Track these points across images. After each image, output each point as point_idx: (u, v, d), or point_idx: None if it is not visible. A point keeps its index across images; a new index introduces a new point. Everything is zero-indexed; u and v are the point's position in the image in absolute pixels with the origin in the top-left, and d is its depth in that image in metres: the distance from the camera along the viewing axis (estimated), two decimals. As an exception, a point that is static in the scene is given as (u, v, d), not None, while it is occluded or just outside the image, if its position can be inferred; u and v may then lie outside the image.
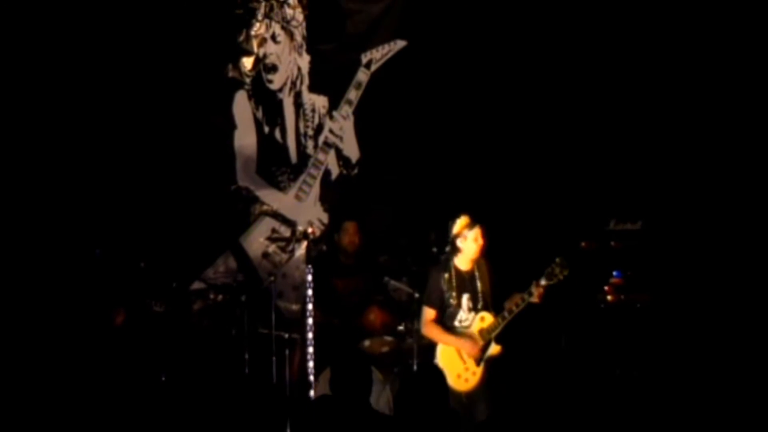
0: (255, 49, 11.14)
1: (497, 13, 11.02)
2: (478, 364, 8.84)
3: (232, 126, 11.17)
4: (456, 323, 9.07)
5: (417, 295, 10.05)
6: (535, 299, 8.75)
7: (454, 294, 9.04)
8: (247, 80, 11.20)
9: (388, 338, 10.23)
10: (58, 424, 8.90)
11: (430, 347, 9.83)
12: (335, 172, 11.27)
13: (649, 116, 10.60)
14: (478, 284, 9.07)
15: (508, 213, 10.74)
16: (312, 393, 9.67)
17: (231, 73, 11.15)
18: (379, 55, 11.17)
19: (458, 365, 8.89)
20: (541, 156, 10.85)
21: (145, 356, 9.95)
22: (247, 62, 11.15)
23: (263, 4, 11.16)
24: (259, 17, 11.11)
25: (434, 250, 10.35)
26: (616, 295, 9.32)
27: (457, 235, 8.96)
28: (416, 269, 10.46)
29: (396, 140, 11.24)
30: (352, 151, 11.25)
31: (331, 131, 11.20)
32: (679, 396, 8.89)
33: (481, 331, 8.94)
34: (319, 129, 11.22)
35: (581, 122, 10.75)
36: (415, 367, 9.93)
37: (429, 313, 9.11)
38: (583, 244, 9.48)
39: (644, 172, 10.47)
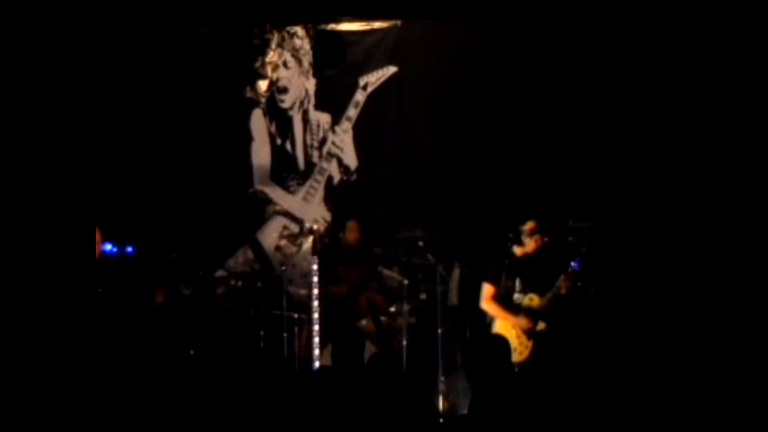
0: (269, 74, 11.11)
1: (473, 42, 10.82)
2: (529, 338, 8.98)
3: (249, 138, 11.16)
4: (511, 301, 9.23)
5: (406, 282, 10.30)
6: (562, 291, 8.93)
7: (510, 276, 9.20)
8: (263, 100, 11.15)
9: (382, 318, 9.88)
10: (100, 390, 8.31)
11: (418, 325, 10.21)
12: (337, 178, 11.22)
13: (602, 134, 10.34)
14: (530, 270, 9.18)
15: (483, 214, 10.63)
16: (317, 364, 9.79)
17: (249, 94, 11.13)
18: (374, 78, 11.11)
19: (512, 339, 8.79)
20: (512, 166, 10.63)
21: (175, 332, 9.93)
22: (263, 85, 11.11)
23: (276, 35, 11.09)
24: (273, 47, 11.08)
25: (420, 244, 10.44)
26: (572, 282, 9.08)
27: (523, 232, 9.17)
28: (405, 260, 10.62)
29: (388, 151, 11.23)
30: (351, 160, 11.21)
31: (333, 143, 11.17)
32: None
33: (530, 310, 9.07)
34: (323, 141, 11.18)
35: (547, 139, 10.54)
36: (404, 343, 10.01)
37: (489, 289, 9.25)
38: (545, 239, 9.25)
39: (597, 181, 10.30)
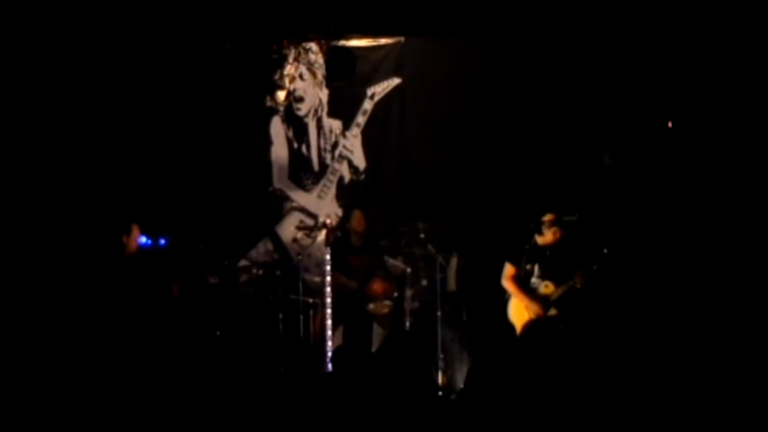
0: (287, 85, 11.16)
1: (467, 57, 10.87)
2: None
3: (269, 143, 11.23)
4: (529, 285, 9.20)
5: (409, 270, 10.44)
6: (577, 285, 8.93)
7: (530, 261, 9.21)
8: (281, 108, 11.21)
9: (387, 302, 10.26)
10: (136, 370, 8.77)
11: (421, 310, 10.32)
12: (347, 177, 11.26)
13: (587, 137, 10.42)
14: (550, 259, 9.18)
15: (477, 209, 10.69)
16: (329, 344, 9.79)
17: (269, 103, 11.19)
18: (380, 89, 11.17)
19: (525, 318, 8.89)
20: (504, 166, 10.65)
21: (204, 316, 10.06)
22: (281, 95, 11.17)
23: (293, 50, 11.12)
24: (290, 61, 11.14)
25: (421, 236, 10.43)
26: (588, 278, 8.94)
27: (543, 222, 9.17)
28: (408, 250, 10.66)
29: (392, 153, 11.31)
30: (360, 161, 11.27)
31: (344, 147, 11.22)
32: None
33: (544, 296, 9.09)
34: (335, 145, 11.23)
35: (535, 141, 10.55)
36: (407, 324, 10.13)
37: (510, 269, 9.24)
38: (562, 231, 9.18)
39: (580, 179, 10.33)
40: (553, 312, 9.02)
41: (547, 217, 9.24)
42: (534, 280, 9.22)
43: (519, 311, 9.14)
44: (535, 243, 9.26)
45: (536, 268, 9.20)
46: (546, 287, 9.15)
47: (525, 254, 9.28)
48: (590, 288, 8.98)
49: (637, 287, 9.60)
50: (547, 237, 9.23)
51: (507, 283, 9.27)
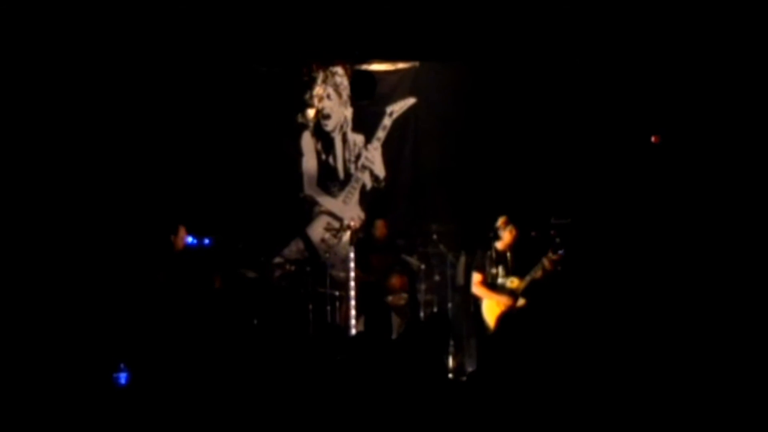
0: (316, 104, 11.22)
1: (475, 79, 10.92)
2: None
3: (300, 154, 11.26)
4: (495, 284, 9.18)
5: (423, 266, 10.51)
6: (547, 267, 8.89)
7: (494, 265, 9.19)
8: (311, 124, 11.26)
9: (404, 295, 10.33)
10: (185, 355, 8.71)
11: (432, 301, 10.29)
12: (369, 185, 11.31)
13: (579, 149, 10.40)
14: (509, 259, 9.16)
15: (483, 212, 10.23)
16: (353, 331, 9.83)
17: (300, 120, 11.26)
18: (398, 107, 11.23)
19: (497, 314, 8.79)
20: (506, 173, 10.67)
21: (243, 307, 10.06)
22: (311, 112, 11.23)
23: (321, 74, 11.19)
24: (319, 82, 11.21)
25: (434, 236, 10.53)
26: (554, 267, 9.02)
27: (498, 228, 9.17)
28: (422, 249, 10.74)
29: (408, 164, 11.36)
30: (380, 171, 11.31)
31: (366, 158, 11.27)
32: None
33: (512, 290, 9.08)
34: (358, 156, 11.28)
35: (533, 151, 10.59)
36: (421, 314, 10.19)
37: (477, 277, 9.24)
38: (532, 233, 9.30)
39: (573, 186, 10.35)
40: (521, 302, 8.99)
41: (501, 220, 9.24)
42: (500, 280, 9.21)
43: (491, 309, 9.12)
44: (496, 249, 9.25)
45: (500, 269, 9.20)
46: (511, 282, 9.14)
47: (488, 260, 9.27)
48: (557, 270, 8.94)
49: (599, 271, 9.59)
50: (505, 239, 9.22)
51: (476, 289, 9.29)
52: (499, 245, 9.25)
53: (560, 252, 8.93)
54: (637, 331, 8.17)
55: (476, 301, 9.31)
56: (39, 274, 9.55)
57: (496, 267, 9.23)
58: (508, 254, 9.23)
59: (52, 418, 6.95)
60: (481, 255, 9.30)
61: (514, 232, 9.20)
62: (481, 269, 9.28)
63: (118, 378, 8.36)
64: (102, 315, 9.39)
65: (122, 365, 8.38)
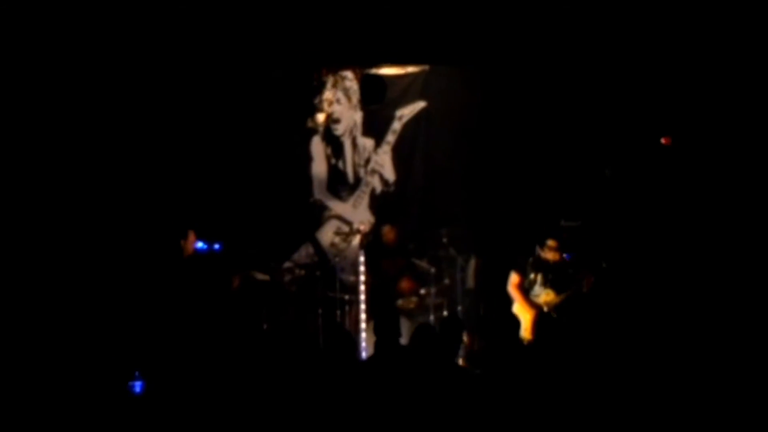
0: (326, 108, 11.18)
1: (483, 83, 10.89)
2: None
3: (310, 159, 11.24)
4: (532, 292, 9.27)
5: (433, 270, 10.37)
6: (584, 289, 8.96)
7: (533, 271, 9.27)
8: (320, 128, 11.23)
9: (414, 299, 10.32)
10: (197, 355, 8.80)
11: (443, 305, 10.19)
12: (379, 189, 11.26)
13: (588, 154, 10.44)
14: (550, 269, 9.22)
15: (492, 216, 10.74)
16: (363, 335, 9.83)
17: (310, 124, 11.22)
18: (407, 111, 11.18)
19: (526, 320, 8.92)
20: (515, 178, 10.71)
21: (253, 310, 10.05)
22: (321, 117, 11.20)
23: (331, 78, 11.14)
24: (329, 87, 11.18)
25: (444, 240, 10.45)
26: (589, 286, 9.07)
27: (547, 245, 9.20)
28: (432, 253, 10.63)
29: (418, 168, 11.28)
30: (390, 175, 11.27)
31: (376, 162, 11.23)
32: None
33: (546, 302, 9.16)
34: (368, 161, 11.24)
35: (541, 156, 10.59)
36: (431, 318, 10.00)
37: (515, 277, 9.30)
38: (564, 255, 9.29)
39: (583, 189, 10.35)
40: (553, 315, 9.05)
41: (551, 242, 9.28)
42: (537, 288, 9.25)
43: (522, 314, 9.11)
44: (539, 255, 9.31)
45: (539, 277, 9.24)
46: (547, 294, 9.19)
47: (529, 264, 9.32)
48: (595, 293, 8.97)
49: (636, 295, 9.48)
50: (548, 255, 9.29)
51: (512, 290, 9.32)
52: (543, 254, 9.32)
53: (566, 257, 9.05)
54: (651, 337, 8.31)
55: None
56: (53, 283, 9.56)
57: (536, 273, 9.29)
58: (550, 264, 9.28)
59: (68, 426, 7.00)
60: (524, 257, 9.36)
61: (557, 257, 9.27)
62: (521, 270, 9.33)
63: (133, 386, 8.40)
64: (116, 323, 9.43)
65: (137, 374, 8.39)
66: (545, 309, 9.08)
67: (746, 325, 8.56)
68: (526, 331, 8.87)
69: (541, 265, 9.29)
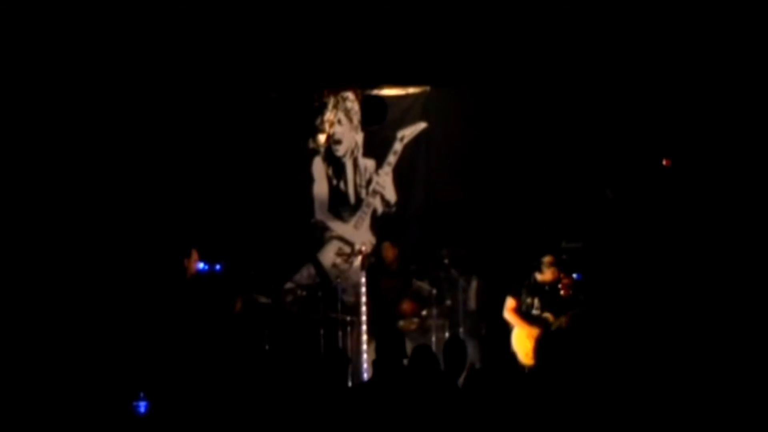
0: (327, 129, 11.16)
1: (484, 105, 10.84)
2: None
3: (311, 180, 11.22)
4: (529, 314, 9.20)
5: (434, 291, 10.38)
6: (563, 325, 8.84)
7: (530, 295, 9.23)
8: (322, 149, 11.22)
9: (416, 320, 10.26)
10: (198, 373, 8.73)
11: (444, 326, 10.16)
12: (380, 209, 11.24)
13: (589, 174, 10.46)
14: (547, 293, 9.19)
15: (494, 237, 10.68)
16: (365, 356, 9.82)
17: (311, 145, 11.21)
18: (408, 132, 11.17)
19: (527, 346, 8.82)
20: (516, 199, 10.73)
21: (254, 332, 9.99)
22: (322, 138, 11.18)
23: (332, 99, 11.11)
24: (329, 108, 11.14)
25: (445, 261, 10.43)
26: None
27: (543, 262, 9.19)
28: (434, 273, 10.62)
29: (419, 189, 11.25)
30: (391, 196, 11.25)
31: (377, 183, 11.22)
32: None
33: (546, 322, 9.05)
34: (369, 181, 11.23)
35: (541, 177, 10.62)
36: (433, 339, 10.03)
37: (511, 302, 9.23)
38: (561, 273, 9.27)
39: (584, 210, 10.36)
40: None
41: (547, 259, 9.25)
42: (534, 312, 9.20)
43: (521, 341, 9.05)
44: (535, 279, 9.28)
45: (536, 301, 9.20)
46: (546, 317, 9.13)
47: (525, 288, 9.29)
48: (574, 328, 8.86)
49: (638, 314, 9.41)
50: (546, 275, 9.24)
51: (508, 315, 9.26)
52: (539, 277, 9.29)
53: (576, 277, 9.03)
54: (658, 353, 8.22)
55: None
56: (58, 303, 9.57)
57: (532, 297, 9.25)
58: (546, 287, 9.25)
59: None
60: (519, 281, 9.34)
61: (556, 274, 9.23)
62: (517, 295, 9.30)
63: (137, 406, 8.33)
64: (121, 342, 9.42)
65: (142, 394, 8.33)
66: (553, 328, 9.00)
67: (749, 346, 8.45)
68: (527, 357, 8.87)
69: (538, 289, 9.25)
